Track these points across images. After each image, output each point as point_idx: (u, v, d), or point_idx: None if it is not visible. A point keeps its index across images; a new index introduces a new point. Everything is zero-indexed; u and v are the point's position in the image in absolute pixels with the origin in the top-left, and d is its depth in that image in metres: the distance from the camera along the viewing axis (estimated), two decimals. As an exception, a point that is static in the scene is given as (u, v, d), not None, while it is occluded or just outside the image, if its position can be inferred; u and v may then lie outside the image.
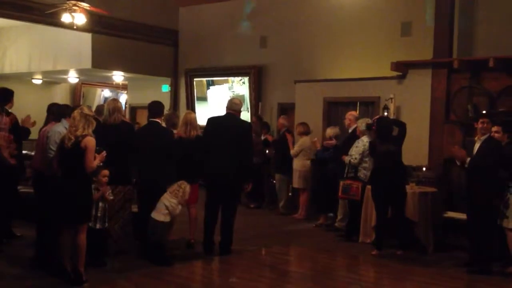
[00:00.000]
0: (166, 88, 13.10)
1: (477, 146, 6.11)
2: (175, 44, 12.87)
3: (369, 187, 7.13)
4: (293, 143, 9.29)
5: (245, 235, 7.37)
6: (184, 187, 5.95)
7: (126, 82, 14.03)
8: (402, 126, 7.06)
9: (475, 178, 6.01)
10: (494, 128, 6.13)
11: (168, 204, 5.88)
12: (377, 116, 7.56)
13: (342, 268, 6.61)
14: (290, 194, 9.63)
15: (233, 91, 11.87)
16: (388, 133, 6.84)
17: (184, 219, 6.74)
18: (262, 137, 10.05)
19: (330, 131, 8.57)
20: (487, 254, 6.00)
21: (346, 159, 7.51)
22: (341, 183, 7.49)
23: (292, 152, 9.15)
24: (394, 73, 9.00)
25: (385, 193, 6.66)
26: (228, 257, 6.42)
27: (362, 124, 7.52)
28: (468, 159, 6.06)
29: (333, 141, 8.44)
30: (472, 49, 8.85)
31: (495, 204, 5.92)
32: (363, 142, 7.36)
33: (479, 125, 6.12)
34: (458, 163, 6.25)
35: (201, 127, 6.94)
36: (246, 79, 11.59)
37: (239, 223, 7.20)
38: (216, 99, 12.08)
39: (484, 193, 5.90)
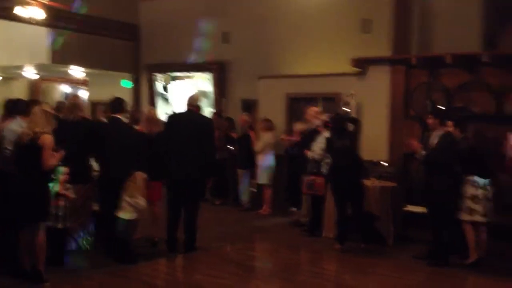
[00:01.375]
0: (126, 83, 12.92)
1: (432, 139, 6.27)
2: (136, 39, 12.70)
3: (330, 182, 7.25)
4: (256, 139, 9.32)
5: (210, 232, 7.38)
6: (135, 179, 5.88)
7: (87, 78, 13.76)
8: (356, 123, 7.24)
9: (432, 172, 6.18)
10: (449, 124, 6.32)
11: (131, 200, 5.83)
12: (333, 113, 7.69)
13: (306, 262, 6.70)
14: (254, 190, 9.67)
15: (197, 87, 11.80)
16: (343, 130, 6.98)
17: (148, 217, 6.70)
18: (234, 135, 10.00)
19: (299, 126, 8.63)
20: (446, 246, 6.18)
21: (309, 154, 7.61)
22: (305, 179, 7.58)
23: (256, 148, 9.19)
24: (355, 70, 9.14)
25: (344, 188, 6.78)
26: (192, 254, 6.42)
27: (319, 121, 7.66)
28: (423, 152, 6.24)
29: (295, 137, 8.52)
30: (430, 46, 9.05)
31: (452, 198, 6.10)
32: (325, 138, 7.46)
33: (428, 121, 6.31)
34: (416, 156, 6.42)
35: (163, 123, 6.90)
36: (209, 75, 11.55)
37: (204, 220, 7.22)
38: (178, 95, 11.99)
39: (441, 187, 6.08)
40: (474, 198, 6.05)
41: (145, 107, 11.43)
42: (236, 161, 9.79)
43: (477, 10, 8.60)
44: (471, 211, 6.05)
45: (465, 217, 6.08)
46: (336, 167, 6.88)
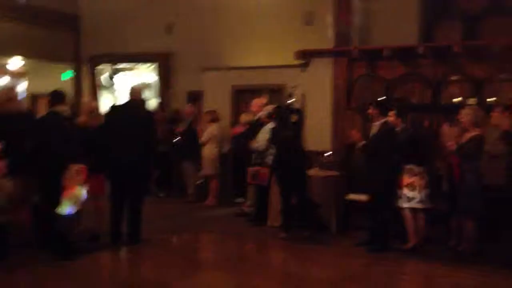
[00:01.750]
0: (67, 75, 12.58)
1: (373, 130, 6.48)
2: (77, 30, 12.38)
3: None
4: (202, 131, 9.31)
5: (155, 224, 7.34)
6: (69, 171, 5.78)
7: (26, 69, 13.31)
8: (299, 113, 7.37)
9: (372, 161, 6.38)
10: (390, 114, 6.53)
11: (69, 194, 5.72)
12: (276, 105, 7.79)
13: (252, 252, 6.78)
14: (199, 181, 9.67)
15: (141, 79, 11.63)
16: (287, 120, 7.09)
17: (91, 211, 6.61)
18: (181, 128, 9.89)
19: (245, 117, 8.68)
20: (385, 233, 6.40)
21: (254, 145, 7.69)
22: (250, 169, 7.65)
23: (201, 139, 9.18)
24: (299, 61, 9.26)
25: (288, 178, 6.90)
26: (136, 247, 6.37)
27: (263, 112, 7.75)
28: (363, 142, 6.43)
29: (241, 128, 8.58)
30: (370, 39, 9.28)
31: (390, 186, 6.32)
32: (269, 129, 7.54)
33: (369, 112, 6.51)
34: (357, 146, 6.61)
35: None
36: (154, 66, 11.42)
37: (148, 213, 7.15)
38: (123, 87, 11.79)
39: (380, 176, 6.29)
40: (410, 185, 6.29)
41: (86, 99, 11.17)
42: (181, 153, 9.74)
43: (415, 4, 8.89)
44: (408, 198, 6.29)
45: (403, 204, 6.31)
46: (281, 158, 6.98)
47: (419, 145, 6.33)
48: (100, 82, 12.02)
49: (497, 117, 6.35)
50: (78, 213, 5.94)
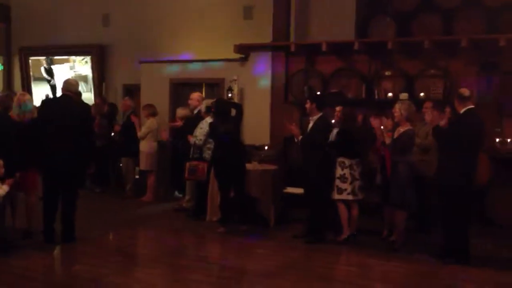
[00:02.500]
0: (-1, 66, 12.08)
1: (310, 124, 6.59)
2: (7, 20, 11.88)
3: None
4: (140, 125, 9.16)
5: (90, 221, 7.17)
6: None
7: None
8: (238, 107, 7.41)
9: (307, 154, 6.49)
10: (337, 108, 6.66)
11: None
12: (215, 99, 7.78)
13: (190, 247, 6.74)
14: (137, 176, 9.52)
15: (75, 71, 11.33)
16: (227, 114, 7.10)
17: (23, 207, 6.39)
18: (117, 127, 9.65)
19: (181, 111, 8.59)
20: (321, 224, 6.53)
21: (192, 140, 7.64)
22: (187, 164, 7.60)
23: (139, 134, 9.02)
24: (238, 55, 9.28)
25: (227, 172, 6.92)
26: (71, 244, 6.21)
27: (202, 106, 7.72)
28: (301, 136, 6.53)
29: (179, 123, 8.50)
30: (308, 34, 9.41)
31: (324, 179, 6.45)
32: (207, 123, 7.51)
33: (306, 106, 6.62)
34: (296, 140, 6.70)
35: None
36: (88, 58, 11.12)
37: (84, 209, 7.00)
38: (57, 79, 11.43)
39: (315, 168, 6.40)
40: (341, 177, 6.45)
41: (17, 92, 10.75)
42: (118, 147, 9.54)
43: (352, 1, 9.08)
44: (340, 190, 6.44)
45: (335, 196, 6.46)
46: (219, 152, 6.96)
47: (350, 138, 6.47)
48: (41, 74, 11.58)
49: (429, 114, 6.58)
50: (4, 209, 5.72)
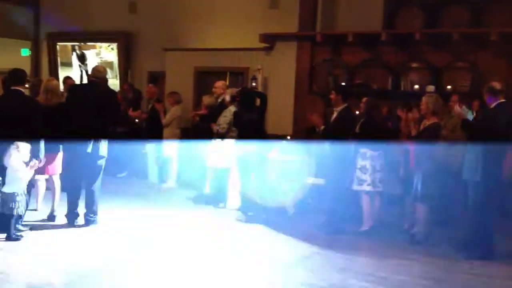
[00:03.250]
0: (26, 52, 12.25)
1: (334, 115, 6.54)
2: (36, 5, 12.04)
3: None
4: (164, 112, 9.21)
5: (113, 205, 7.25)
6: (14, 148, 5.63)
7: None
8: (263, 97, 7.38)
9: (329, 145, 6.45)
10: (363, 99, 6.60)
11: (13, 173, 5.60)
12: (240, 88, 7.77)
13: (207, 234, 6.76)
14: (160, 163, 9.57)
15: (101, 58, 11.44)
16: (251, 103, 7.08)
17: (48, 191, 6.52)
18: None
19: (207, 99, 8.61)
20: (340, 215, 6.50)
21: (214, 128, 7.66)
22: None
23: (163, 121, 9.07)
24: (263, 45, 9.25)
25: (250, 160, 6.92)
26: (93, 227, 6.30)
27: (227, 95, 7.71)
28: (323, 126, 6.48)
29: (203, 111, 8.52)
30: (334, 24, 9.33)
31: (347, 169, 6.41)
32: (231, 111, 7.52)
33: (331, 97, 6.56)
34: (317, 130, 6.65)
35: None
36: (114, 45, 11.21)
37: (107, 193, 7.10)
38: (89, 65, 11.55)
39: (337, 159, 6.36)
40: (362, 168, 6.40)
41: (44, 78, 10.92)
42: (143, 133, 9.60)
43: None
44: (360, 181, 6.39)
45: (355, 186, 6.42)
46: (242, 138, 6.95)
47: (373, 129, 6.41)
48: (68, 59, 11.71)
49: (457, 108, 6.49)
50: (29, 192, 5.82)
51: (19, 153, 5.62)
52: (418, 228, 6.27)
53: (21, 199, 5.63)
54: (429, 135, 6.08)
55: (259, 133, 7.02)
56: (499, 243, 5.82)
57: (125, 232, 6.37)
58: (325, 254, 5.78)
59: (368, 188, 6.37)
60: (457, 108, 6.49)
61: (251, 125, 6.93)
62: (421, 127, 6.20)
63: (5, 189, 5.61)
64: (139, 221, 6.92)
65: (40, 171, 6.16)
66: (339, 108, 6.50)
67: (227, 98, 7.79)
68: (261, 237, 6.37)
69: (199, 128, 8.47)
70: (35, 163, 5.73)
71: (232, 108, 7.62)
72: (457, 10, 8.23)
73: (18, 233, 5.66)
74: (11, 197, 5.58)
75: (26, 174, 5.68)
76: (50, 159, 6.22)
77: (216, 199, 7.77)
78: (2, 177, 5.70)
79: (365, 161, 6.38)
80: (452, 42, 7.88)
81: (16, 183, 5.62)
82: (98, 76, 6.49)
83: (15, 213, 5.60)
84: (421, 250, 5.92)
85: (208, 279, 4.87)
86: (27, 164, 5.68)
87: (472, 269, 5.41)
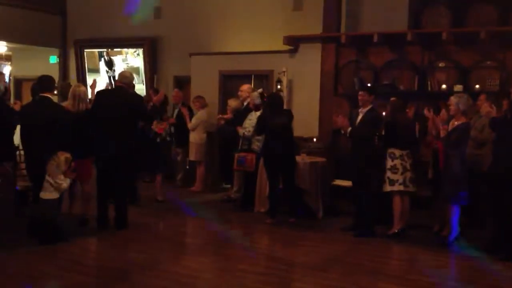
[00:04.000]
0: (54, 59, 12.46)
1: (360, 117, 6.51)
2: (63, 13, 12.25)
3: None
4: (190, 117, 9.27)
5: (141, 209, 7.34)
6: (57, 158, 5.77)
7: (10, 53, 13.16)
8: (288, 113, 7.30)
9: (357, 147, 6.42)
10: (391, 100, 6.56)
11: (52, 181, 5.73)
12: (268, 92, 7.80)
13: (238, 237, 6.78)
14: (187, 167, 9.66)
15: (127, 63, 11.57)
16: (281, 106, 7.10)
17: (78, 196, 6.63)
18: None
19: (232, 103, 8.65)
20: (370, 217, 6.45)
21: (240, 131, 7.68)
22: (236, 155, 7.66)
23: (189, 125, 9.15)
24: (287, 47, 9.24)
25: (277, 164, 6.92)
26: (124, 231, 6.38)
27: (255, 94, 7.75)
28: (349, 128, 6.44)
29: (229, 115, 8.55)
30: (359, 25, 9.27)
31: (374, 171, 6.36)
32: (257, 115, 7.53)
33: (359, 98, 6.52)
34: (342, 132, 6.61)
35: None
36: (140, 51, 11.34)
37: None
38: (117, 70, 11.69)
39: (364, 161, 6.33)
40: (392, 168, 6.34)
41: (73, 84, 11.09)
42: (169, 138, 9.66)
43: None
44: (392, 182, 6.34)
45: (387, 187, 6.36)
46: (271, 142, 6.94)
47: (398, 129, 6.36)
48: (96, 65, 11.87)
49: (485, 107, 6.41)
50: (61, 198, 5.94)
51: (56, 160, 5.74)
52: (448, 229, 6.19)
53: (57, 205, 5.76)
54: (458, 135, 6.01)
55: (287, 137, 7.02)
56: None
57: (156, 235, 6.44)
58: (354, 257, 5.75)
59: (400, 188, 6.31)
60: (485, 107, 6.40)
61: (280, 129, 6.92)
62: (450, 127, 6.13)
63: (43, 195, 5.74)
64: (167, 225, 6.99)
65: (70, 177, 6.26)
66: (365, 110, 6.46)
67: (256, 100, 7.77)
68: (289, 240, 6.37)
69: (224, 132, 8.50)
70: (71, 170, 5.84)
71: (258, 113, 7.64)
72: (484, 9, 8.09)
73: (54, 238, 5.76)
74: (49, 203, 5.70)
75: (64, 182, 5.79)
76: (81, 164, 6.32)
77: (243, 202, 7.79)
78: (39, 184, 5.82)
79: (394, 161, 6.33)
80: (480, 41, 7.75)
81: (53, 190, 5.74)
82: (124, 82, 6.59)
83: (51, 219, 5.72)
84: (452, 252, 5.85)
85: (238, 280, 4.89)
86: (64, 171, 5.80)
87: (504, 270, 5.33)
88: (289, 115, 7.14)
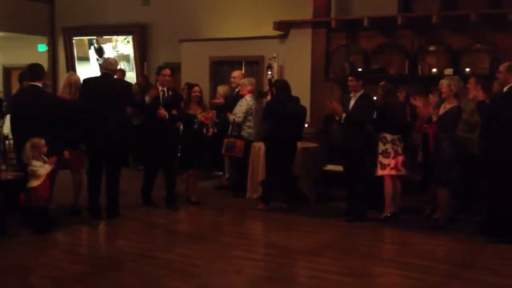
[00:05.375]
0: (43, 47, 12.33)
1: (352, 102, 6.50)
2: (51, 0, 12.10)
3: (257, 144, 7.37)
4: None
5: (134, 198, 7.32)
6: (29, 144, 5.69)
7: (-2, 42, 13.02)
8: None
9: (349, 132, 6.42)
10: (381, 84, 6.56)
11: (28, 168, 5.68)
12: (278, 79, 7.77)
13: (230, 223, 6.82)
14: (178, 155, 9.60)
15: (117, 51, 11.48)
16: (290, 92, 7.01)
17: (70, 185, 6.60)
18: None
19: (222, 88, 8.63)
20: (363, 203, 6.48)
21: (231, 117, 7.67)
22: (225, 140, 7.66)
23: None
24: (277, 32, 9.20)
25: (285, 150, 6.88)
26: (116, 220, 6.38)
27: (246, 85, 7.73)
28: (344, 114, 6.43)
29: (221, 100, 8.53)
30: (349, 9, 9.22)
31: (366, 156, 6.38)
32: (247, 101, 7.52)
33: (348, 83, 6.50)
34: (337, 118, 6.60)
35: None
36: (130, 38, 11.24)
37: (127, 186, 7.18)
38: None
39: (356, 146, 6.34)
40: (384, 152, 6.37)
41: (62, 72, 11.03)
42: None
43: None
44: (383, 166, 6.37)
45: (379, 172, 6.39)
46: (283, 130, 6.84)
47: (389, 114, 6.37)
48: (85, 53, 11.75)
49: (472, 91, 6.44)
50: (51, 187, 5.90)
51: (35, 148, 5.68)
52: (439, 213, 6.24)
53: (42, 194, 5.71)
54: (451, 118, 6.02)
55: (302, 125, 7.01)
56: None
57: (149, 223, 6.44)
58: (348, 242, 5.79)
59: (391, 172, 6.34)
60: (471, 91, 6.41)
61: (295, 115, 6.86)
62: (441, 110, 6.13)
63: (28, 184, 5.71)
64: (160, 213, 6.98)
65: (62, 166, 6.23)
66: (358, 95, 6.45)
67: (248, 86, 7.71)
68: (282, 226, 6.40)
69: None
70: (53, 158, 5.79)
71: (248, 98, 7.63)
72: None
73: (44, 227, 5.74)
74: (34, 191, 5.66)
75: (44, 169, 5.72)
76: (72, 154, 6.28)
77: (236, 189, 7.80)
78: (25, 173, 5.79)
79: (386, 145, 6.35)
80: (470, 24, 7.76)
81: (35, 178, 5.69)
82: (110, 68, 6.53)
83: (39, 207, 5.69)
84: (444, 235, 5.90)
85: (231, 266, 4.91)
86: (45, 159, 5.75)
87: (497, 253, 5.38)
88: (299, 102, 7.10)
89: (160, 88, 7.06)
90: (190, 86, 7.42)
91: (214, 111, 7.39)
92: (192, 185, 7.34)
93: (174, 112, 7.00)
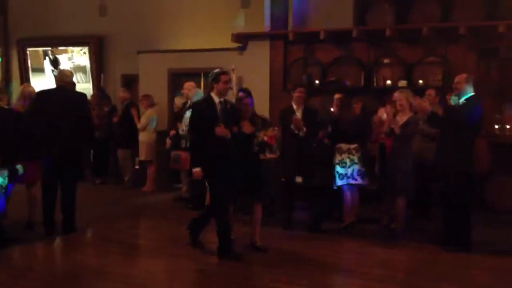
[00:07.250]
0: (-3, 58, 12.02)
1: (298, 114, 6.54)
2: (4, 11, 11.81)
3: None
4: (138, 117, 9.14)
5: (91, 212, 7.19)
6: None
7: None
8: None
9: (304, 144, 6.49)
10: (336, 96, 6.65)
11: None
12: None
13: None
14: (137, 167, 9.52)
15: (74, 62, 11.28)
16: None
17: (24, 199, 6.42)
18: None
19: (179, 100, 8.58)
20: (319, 213, 6.55)
21: (180, 128, 7.63)
22: (172, 153, 7.64)
23: (139, 125, 9.03)
24: (236, 45, 9.24)
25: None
26: (72, 235, 6.23)
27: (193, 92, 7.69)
28: (305, 129, 6.46)
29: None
30: (305, 22, 9.36)
31: (323, 167, 6.46)
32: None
33: (296, 95, 6.56)
34: (300, 134, 6.56)
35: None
36: (86, 49, 11.08)
37: (84, 200, 7.03)
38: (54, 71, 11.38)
39: (313, 158, 6.41)
40: (340, 163, 6.47)
41: (16, 84, 10.77)
42: (117, 138, 9.52)
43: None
44: (341, 176, 6.46)
45: (338, 182, 6.47)
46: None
47: (344, 125, 6.48)
48: (40, 65, 11.50)
49: (419, 102, 6.55)
50: (5, 202, 5.74)
51: None
52: (397, 222, 6.35)
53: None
54: (412, 129, 6.13)
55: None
56: (477, 234, 5.91)
57: (107, 238, 6.32)
58: (306, 252, 5.81)
59: (350, 182, 6.43)
60: (419, 102, 6.53)
61: None
62: (399, 122, 6.21)
63: None
64: (119, 227, 6.86)
65: (18, 180, 6.06)
66: (302, 108, 6.51)
67: (194, 98, 7.64)
68: (245, 239, 6.37)
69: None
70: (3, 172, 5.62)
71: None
72: (427, 5, 8.33)
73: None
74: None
75: None
76: (26, 167, 6.12)
77: (194, 201, 7.74)
78: None
79: (342, 155, 6.45)
80: (423, 37, 7.99)
81: None
82: (65, 80, 6.42)
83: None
84: (401, 245, 6.00)
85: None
86: None
87: (453, 261, 5.50)
88: None
89: (218, 100, 5.54)
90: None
91: (276, 128, 6.00)
92: (255, 223, 5.81)
93: (235, 129, 5.51)
